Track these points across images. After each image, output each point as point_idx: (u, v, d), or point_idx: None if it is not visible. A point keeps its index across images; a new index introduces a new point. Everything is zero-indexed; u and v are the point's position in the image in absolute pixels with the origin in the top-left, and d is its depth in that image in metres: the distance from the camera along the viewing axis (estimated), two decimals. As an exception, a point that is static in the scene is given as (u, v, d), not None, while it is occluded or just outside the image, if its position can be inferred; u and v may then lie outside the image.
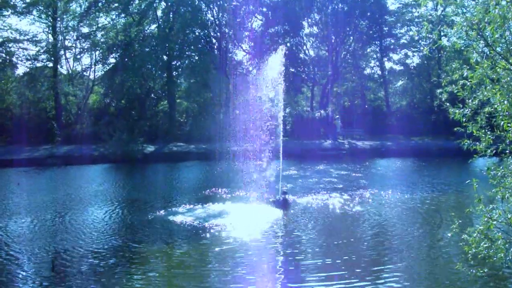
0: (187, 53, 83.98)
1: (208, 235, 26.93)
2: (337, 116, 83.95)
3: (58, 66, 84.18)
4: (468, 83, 12.29)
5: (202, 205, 34.15)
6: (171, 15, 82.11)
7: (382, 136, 78.15)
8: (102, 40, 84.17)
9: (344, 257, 22.36)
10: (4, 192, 42.35)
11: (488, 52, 12.67)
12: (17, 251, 24.27)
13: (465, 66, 12.66)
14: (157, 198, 38.42)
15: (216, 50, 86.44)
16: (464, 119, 12.43)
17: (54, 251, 24.50)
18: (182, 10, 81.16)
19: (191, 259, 23.05)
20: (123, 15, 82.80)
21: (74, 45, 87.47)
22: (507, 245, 12.13)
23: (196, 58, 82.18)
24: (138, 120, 76.09)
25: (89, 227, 29.38)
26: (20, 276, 20.75)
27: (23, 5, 79.57)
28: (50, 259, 23.18)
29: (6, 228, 29.01)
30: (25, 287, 19.22)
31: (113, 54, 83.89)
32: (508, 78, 12.09)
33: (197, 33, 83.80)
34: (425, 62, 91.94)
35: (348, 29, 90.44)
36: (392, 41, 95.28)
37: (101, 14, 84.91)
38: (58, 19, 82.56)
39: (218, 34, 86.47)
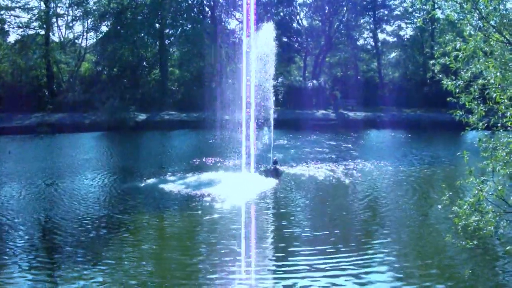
0: (180, 21, 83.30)
1: (198, 204, 26.92)
2: (336, 87, 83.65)
3: (50, 34, 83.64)
4: (461, 55, 12.21)
5: (193, 174, 34.16)
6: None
7: (375, 107, 78.07)
8: (94, 7, 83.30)
9: (335, 230, 22.31)
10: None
11: (481, 25, 12.59)
12: (6, 220, 24.20)
13: (458, 38, 12.58)
14: (148, 166, 38.38)
15: (209, 19, 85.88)
16: (457, 90, 12.37)
17: (44, 219, 24.47)
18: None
19: (181, 229, 23.09)
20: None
21: (66, 12, 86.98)
22: (497, 218, 12.15)
23: (189, 26, 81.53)
24: (130, 88, 75.81)
25: (80, 195, 29.35)
26: (9, 245, 20.66)
27: (15, -29, 78.83)
28: (37, 224, 23.23)
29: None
30: (14, 258, 19.09)
31: (105, 22, 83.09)
32: (501, 51, 12.02)
33: (190, 2, 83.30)
34: (419, 34, 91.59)
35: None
36: (386, 12, 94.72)
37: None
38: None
39: (211, 2, 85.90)
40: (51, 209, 26.08)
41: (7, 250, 19.72)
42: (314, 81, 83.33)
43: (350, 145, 50.81)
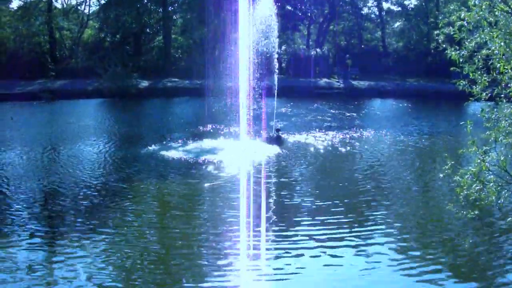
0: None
1: (199, 171, 26.99)
2: (348, 55, 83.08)
3: (53, 0, 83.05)
4: (466, 24, 12.11)
5: (195, 141, 34.18)
6: None
7: (378, 76, 77.62)
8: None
9: (335, 201, 22.23)
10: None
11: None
12: (6, 187, 24.26)
13: (463, 8, 12.45)
14: (150, 133, 38.41)
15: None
16: (460, 60, 12.28)
17: (44, 186, 24.51)
18: None
19: (182, 197, 23.08)
20: None
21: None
22: (498, 188, 12.12)
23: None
24: (133, 55, 75.61)
25: (81, 162, 29.38)
26: (9, 213, 20.70)
27: None
28: (40, 193, 23.32)
29: (-3, 162, 28.98)
30: (14, 227, 19.10)
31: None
32: (506, 21, 11.91)
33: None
34: (423, 3, 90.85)
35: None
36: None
37: None
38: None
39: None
40: (51, 176, 26.10)
41: (7, 218, 19.70)
42: (318, 50, 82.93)
43: (353, 114, 50.68)
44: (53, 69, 73.53)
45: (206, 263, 15.84)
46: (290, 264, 15.59)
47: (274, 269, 15.27)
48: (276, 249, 16.97)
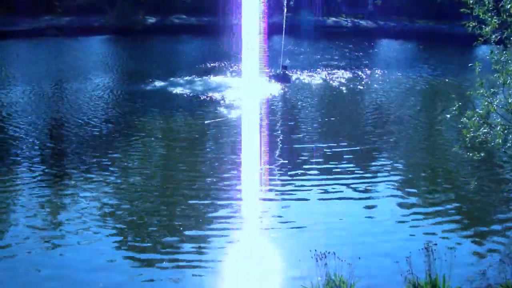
0: None
1: (205, 108, 27.03)
2: None
3: None
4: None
5: (201, 78, 34.12)
6: None
7: (386, 17, 76.63)
8: None
9: (342, 143, 22.14)
10: (3, 62, 41.98)
11: None
12: (13, 124, 24.24)
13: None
14: (157, 70, 38.17)
15: None
16: (471, 1, 12.04)
17: (53, 122, 24.54)
18: None
19: (187, 133, 23.14)
20: None
21: None
22: (505, 131, 12.01)
23: None
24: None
25: (87, 98, 29.41)
26: (17, 152, 20.73)
27: None
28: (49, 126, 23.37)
29: (3, 98, 28.87)
30: (21, 166, 19.15)
31: None
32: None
33: None
34: None
35: None
36: None
37: None
38: None
39: None
40: (59, 112, 26.13)
41: (15, 157, 19.80)
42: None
43: (360, 53, 50.26)
44: (59, 6, 72.79)
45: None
46: (290, 203, 15.71)
47: (276, 217, 15.22)
48: (279, 192, 17.00)
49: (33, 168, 18.43)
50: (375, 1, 78.23)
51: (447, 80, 37.24)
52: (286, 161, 19.81)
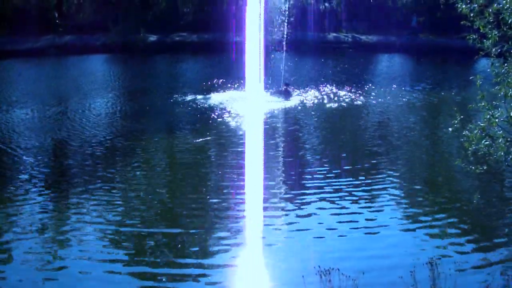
0: None
1: (208, 124, 27.05)
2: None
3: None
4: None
5: (203, 95, 34.10)
6: None
7: (386, 31, 76.89)
8: None
9: (343, 154, 22.25)
10: (5, 82, 42.10)
11: None
12: (14, 144, 24.28)
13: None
14: (158, 88, 38.29)
15: None
16: (471, 14, 12.09)
17: (56, 141, 24.60)
18: None
19: (189, 151, 23.13)
20: None
21: None
22: (507, 144, 12.02)
23: None
24: (141, 8, 74.96)
25: (89, 116, 29.46)
26: (18, 170, 20.85)
27: None
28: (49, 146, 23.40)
29: (6, 118, 28.92)
30: (23, 184, 19.23)
31: None
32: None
33: None
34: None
35: None
36: None
37: None
38: None
39: None
40: (61, 132, 26.17)
41: (17, 175, 19.84)
42: (326, 4, 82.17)
43: (361, 68, 50.39)
44: (60, 24, 73.08)
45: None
46: (293, 218, 15.73)
47: (279, 233, 15.18)
48: (282, 199, 17.30)
49: (33, 189, 18.38)
50: (418, 18, 78.52)
51: (448, 94, 37.16)
52: (288, 177, 19.84)
